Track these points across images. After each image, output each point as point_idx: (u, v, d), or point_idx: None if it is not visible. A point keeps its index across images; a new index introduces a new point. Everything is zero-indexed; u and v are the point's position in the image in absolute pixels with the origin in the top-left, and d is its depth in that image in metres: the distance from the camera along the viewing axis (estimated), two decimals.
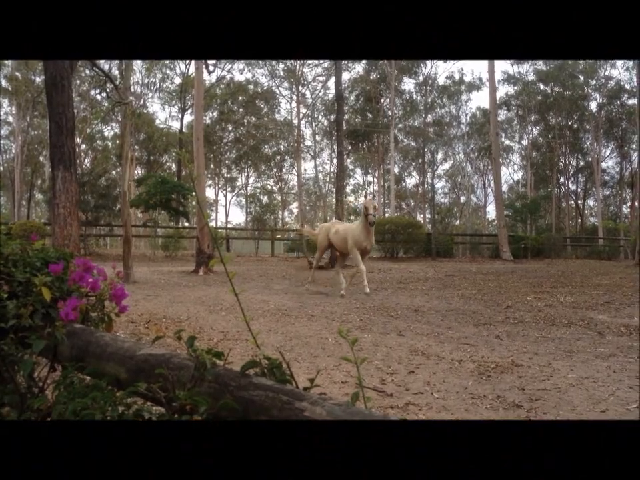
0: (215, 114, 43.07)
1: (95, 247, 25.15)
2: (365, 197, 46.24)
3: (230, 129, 44.08)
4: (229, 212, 54.09)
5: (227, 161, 46.81)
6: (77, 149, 17.54)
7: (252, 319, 7.29)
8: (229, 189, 49.49)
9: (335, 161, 22.43)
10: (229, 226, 43.27)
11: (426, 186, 46.75)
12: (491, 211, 48.33)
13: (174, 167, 43.31)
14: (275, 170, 48.20)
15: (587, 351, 5.71)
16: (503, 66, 64.27)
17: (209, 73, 22.95)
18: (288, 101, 38.49)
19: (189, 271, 15.59)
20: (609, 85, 42.74)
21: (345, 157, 33.16)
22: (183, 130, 39.70)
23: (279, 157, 46.35)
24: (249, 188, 48.42)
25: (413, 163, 49.05)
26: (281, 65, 35.30)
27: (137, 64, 37.12)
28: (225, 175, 48.45)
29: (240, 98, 42.15)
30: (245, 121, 43.53)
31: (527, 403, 3.90)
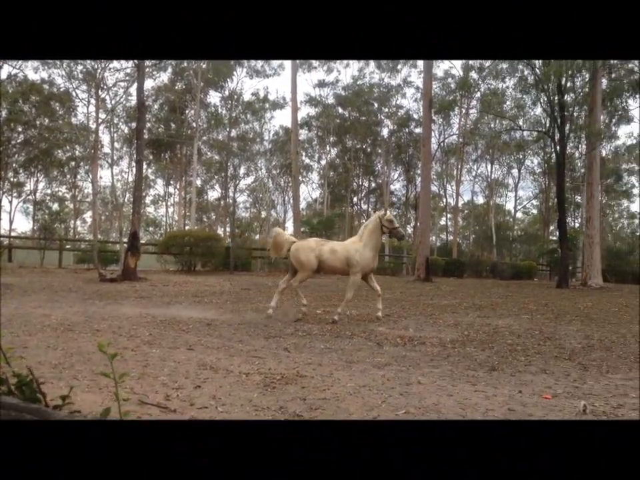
0: (3, 113, 39.27)
1: None
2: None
3: (19, 129, 40.47)
4: (14, 219, 49.57)
5: (14, 164, 42.81)
6: None
7: (30, 334, 6.72)
8: (14, 195, 45.29)
9: (134, 169, 21.64)
10: (13, 234, 39.64)
11: (228, 200, 47.03)
12: (290, 227, 49.84)
13: None
14: (68, 176, 45.14)
15: (365, 361, 6.05)
16: (305, 88, 67.32)
17: None
18: (85, 105, 36.34)
19: None
20: (399, 114, 46.71)
21: (145, 166, 32.10)
22: None
23: (73, 163, 43.48)
24: (37, 194, 44.81)
25: (216, 176, 49.13)
26: (80, 67, 33.27)
27: None
28: (11, 179, 44.25)
29: (33, 98, 38.91)
30: (38, 122, 40.27)
31: (307, 413, 4.03)
